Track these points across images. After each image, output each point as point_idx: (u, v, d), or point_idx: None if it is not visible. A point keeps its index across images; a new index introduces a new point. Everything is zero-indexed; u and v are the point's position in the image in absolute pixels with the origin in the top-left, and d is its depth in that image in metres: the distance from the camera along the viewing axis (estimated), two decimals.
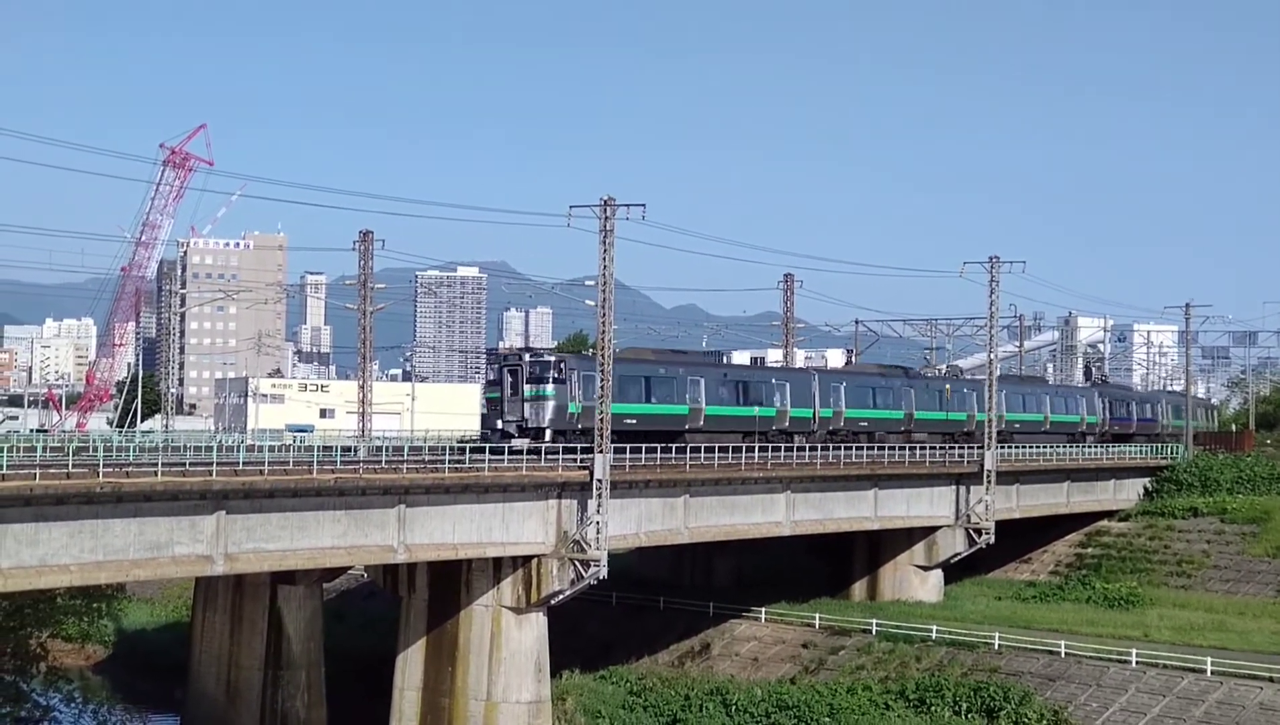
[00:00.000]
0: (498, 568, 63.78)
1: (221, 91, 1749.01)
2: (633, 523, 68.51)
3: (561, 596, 63.95)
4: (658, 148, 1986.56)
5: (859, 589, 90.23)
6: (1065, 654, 70.25)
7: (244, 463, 53.64)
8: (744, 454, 74.21)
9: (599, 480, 62.62)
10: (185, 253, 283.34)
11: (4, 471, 46.20)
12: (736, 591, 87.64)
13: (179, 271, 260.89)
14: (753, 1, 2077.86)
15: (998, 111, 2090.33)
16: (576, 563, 63.06)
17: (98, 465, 48.51)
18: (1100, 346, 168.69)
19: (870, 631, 76.66)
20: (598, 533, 62.84)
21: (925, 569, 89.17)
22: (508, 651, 63.34)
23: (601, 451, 62.62)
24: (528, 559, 63.40)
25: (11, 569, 46.77)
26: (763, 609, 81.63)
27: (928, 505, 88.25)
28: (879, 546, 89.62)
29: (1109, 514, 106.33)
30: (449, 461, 59.91)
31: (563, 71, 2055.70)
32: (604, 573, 63.26)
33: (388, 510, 57.86)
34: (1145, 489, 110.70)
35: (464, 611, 64.26)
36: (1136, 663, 68.24)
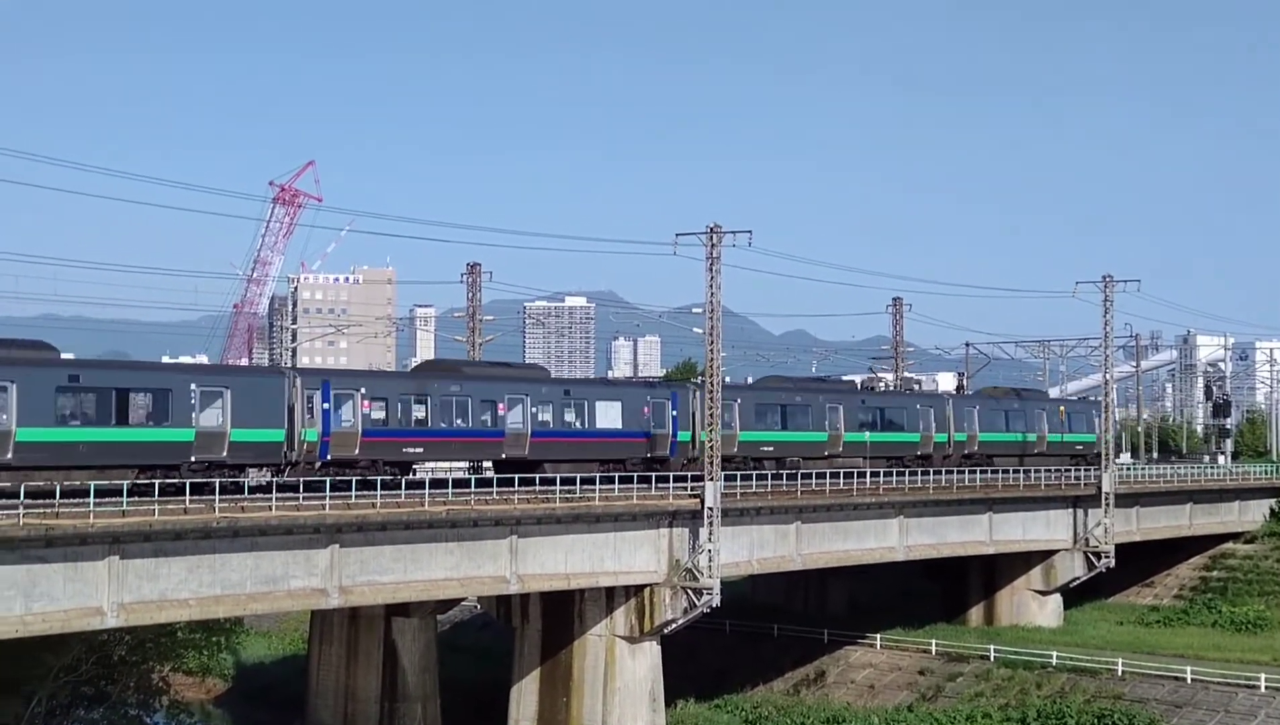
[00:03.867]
0: (610, 597, 63.63)
1: (328, 128, 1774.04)
2: (745, 550, 68.07)
3: (674, 625, 63.63)
4: (763, 172, 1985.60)
5: (975, 614, 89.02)
6: (1191, 680, 68.84)
7: (356, 495, 53.98)
8: (855, 479, 73.62)
9: (710, 508, 62.29)
10: (296, 288, 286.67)
11: (125, 508, 46.79)
12: (850, 617, 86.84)
13: (290, 307, 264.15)
14: (856, 22, 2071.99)
15: (1108, 126, 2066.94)
16: (689, 591, 62.74)
17: (213, 500, 49.03)
18: (1221, 365, 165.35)
19: (988, 658, 75.52)
20: (710, 561, 62.49)
21: (1043, 593, 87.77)
22: (622, 681, 63.13)
23: (712, 479, 62.32)
24: (640, 588, 63.21)
25: (133, 603, 47.36)
26: (878, 635, 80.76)
27: (1044, 528, 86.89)
28: (995, 570, 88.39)
29: (1234, 536, 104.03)
30: (560, 491, 59.92)
31: (667, 95, 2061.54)
32: (717, 601, 62.89)
33: (500, 541, 57.95)
34: (1271, 510, 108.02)
35: (577, 641, 64.16)
36: (1265, 688, 66.65)
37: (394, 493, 55.25)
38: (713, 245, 63.23)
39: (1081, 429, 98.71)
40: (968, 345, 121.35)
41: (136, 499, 47.69)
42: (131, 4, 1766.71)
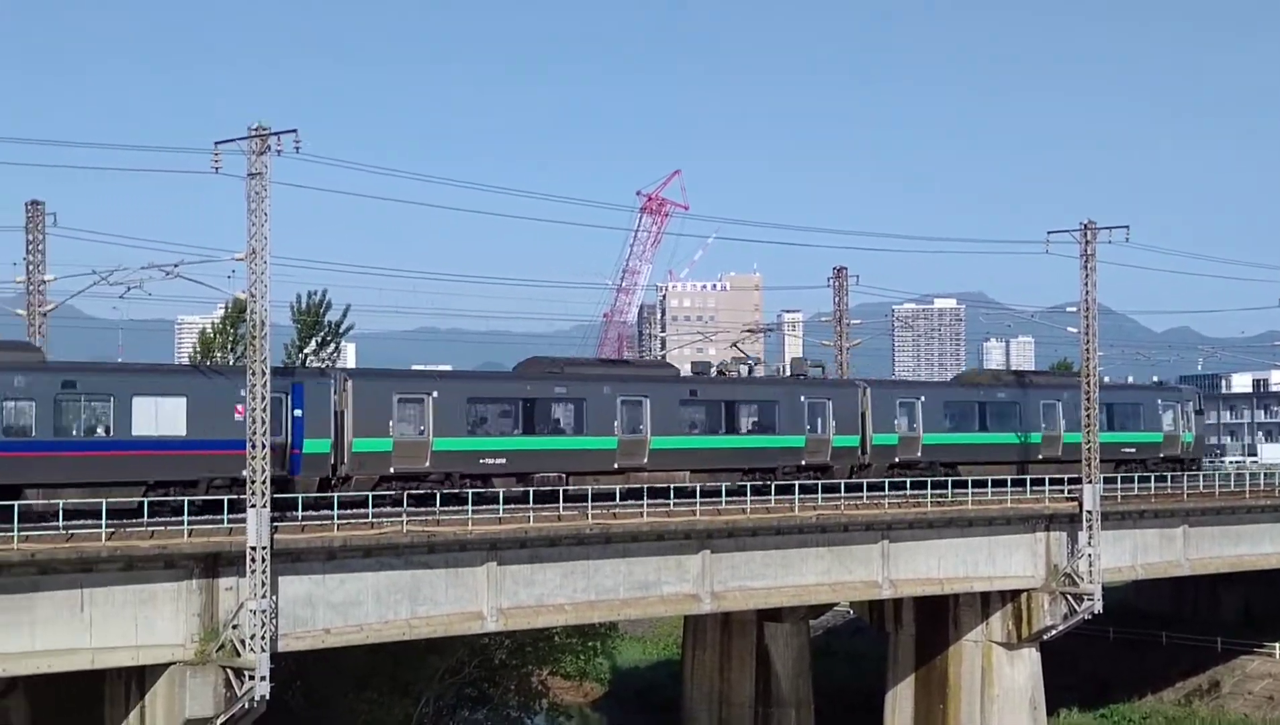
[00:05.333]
0: (985, 602, 61.96)
1: (693, 136, 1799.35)
2: (1127, 554, 65.23)
3: (1054, 632, 61.50)
4: (1134, 169, 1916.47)
5: None
6: None
7: (725, 502, 54.12)
8: (1247, 481, 69.71)
9: (1089, 511, 59.95)
10: (664, 296, 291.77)
11: (501, 515, 47.98)
12: (1245, 625, 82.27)
13: (658, 315, 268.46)
14: None
15: None
16: (1068, 597, 60.52)
17: (586, 506, 49.92)
18: None
19: None
20: (1090, 565, 60.13)
21: None
22: (1000, 689, 61.39)
23: (1090, 481, 59.96)
24: (1016, 593, 61.32)
25: (511, 608, 48.46)
26: (1276, 644, 76.34)
27: None
28: None
29: None
30: (930, 494, 58.68)
31: (1037, 94, 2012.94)
32: (1099, 607, 60.45)
33: (871, 546, 57.10)
34: None
35: (953, 647, 62.75)
36: None
37: (763, 498, 55.23)
38: (1086, 242, 60.91)
39: (1139, 425, 74.05)
40: None
41: (512, 507, 48.94)
42: (504, 30, 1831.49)
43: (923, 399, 64.91)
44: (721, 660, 68.05)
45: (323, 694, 56.61)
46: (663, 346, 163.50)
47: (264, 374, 41.63)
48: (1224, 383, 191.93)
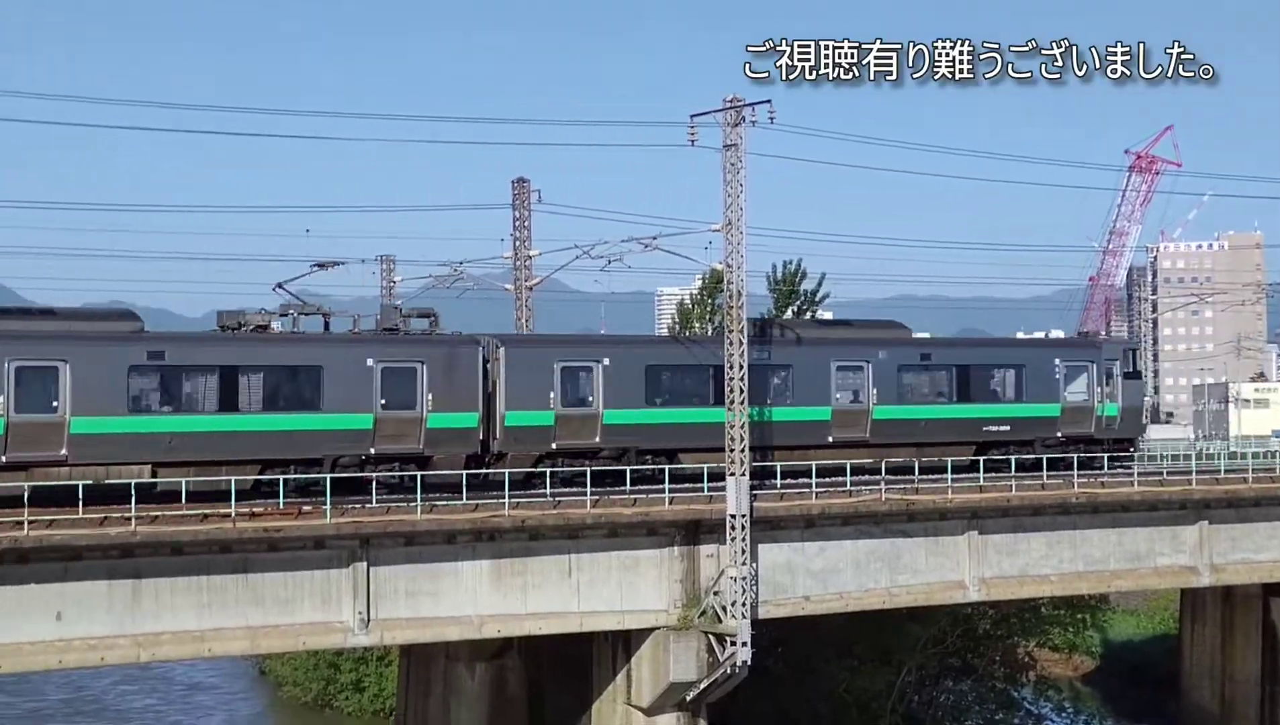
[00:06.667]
0: None
1: (1182, 92, 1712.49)
2: None
3: None
4: None
5: None
6: None
7: (1225, 471, 51.21)
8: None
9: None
10: (1155, 258, 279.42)
11: (981, 483, 47.06)
12: None
13: (1149, 277, 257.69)
14: None
15: None
16: None
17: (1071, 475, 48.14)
18: None
19: None
20: None
21: None
22: None
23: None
24: None
25: (993, 578, 47.50)
26: None
27: None
28: None
29: None
30: None
31: None
32: None
33: None
34: None
35: None
36: None
37: (1269, 467, 52.07)
38: None
39: (1020, 393, 53.62)
40: None
41: (993, 476, 47.80)
42: None
43: None
44: (1223, 636, 64.38)
45: (803, 660, 56.82)
46: (1154, 309, 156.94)
47: (741, 343, 41.92)
48: None
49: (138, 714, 68.64)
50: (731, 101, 41.59)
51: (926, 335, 60.66)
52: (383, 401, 41.60)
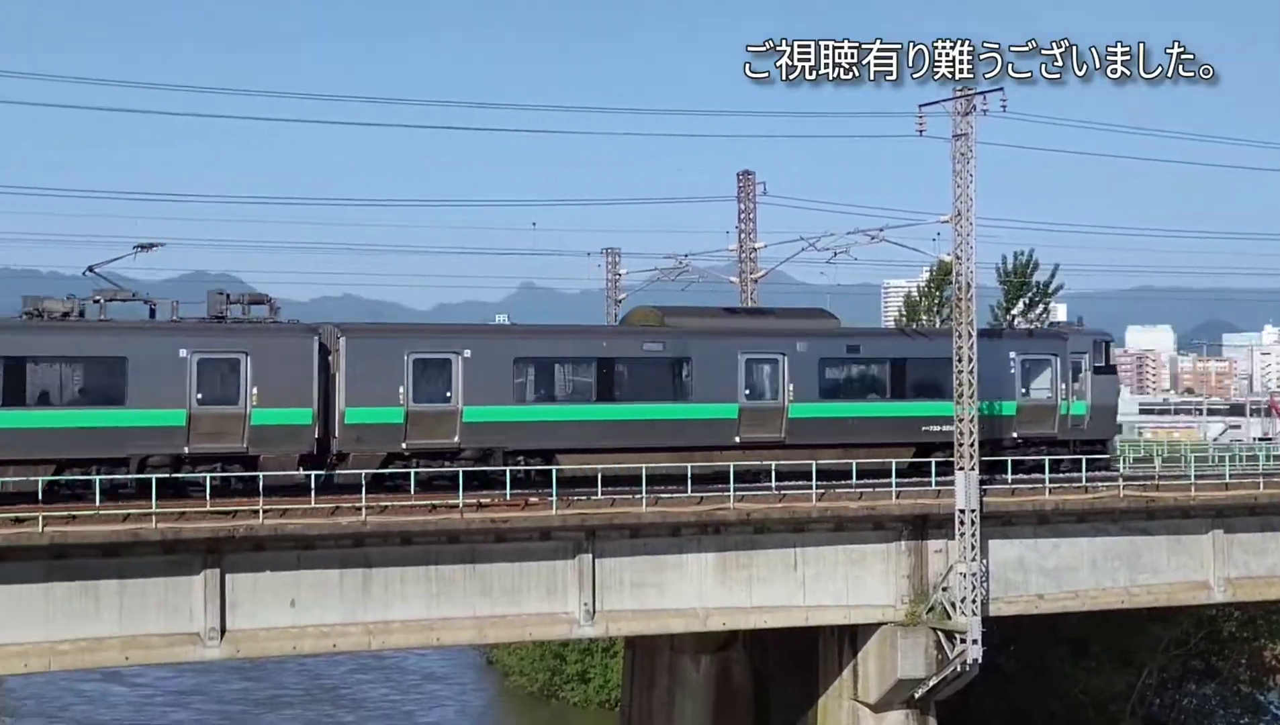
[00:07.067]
0: None
1: None
2: None
3: None
4: None
5: None
6: None
7: None
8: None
9: None
10: None
11: (1227, 481, 45.71)
12: None
13: None
14: None
15: None
16: None
17: None
18: None
19: None
20: None
21: None
22: None
23: None
24: None
25: (1239, 578, 45.95)
26: None
27: None
28: None
29: None
30: None
31: None
32: None
33: None
34: None
35: None
36: None
37: None
38: None
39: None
40: None
41: (1239, 474, 46.28)
42: None
43: None
44: None
45: (1037, 659, 55.46)
46: None
47: (970, 337, 41.00)
48: None
49: (373, 703, 70.00)
50: (961, 90, 40.78)
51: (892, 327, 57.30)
52: (199, 396, 37.98)
